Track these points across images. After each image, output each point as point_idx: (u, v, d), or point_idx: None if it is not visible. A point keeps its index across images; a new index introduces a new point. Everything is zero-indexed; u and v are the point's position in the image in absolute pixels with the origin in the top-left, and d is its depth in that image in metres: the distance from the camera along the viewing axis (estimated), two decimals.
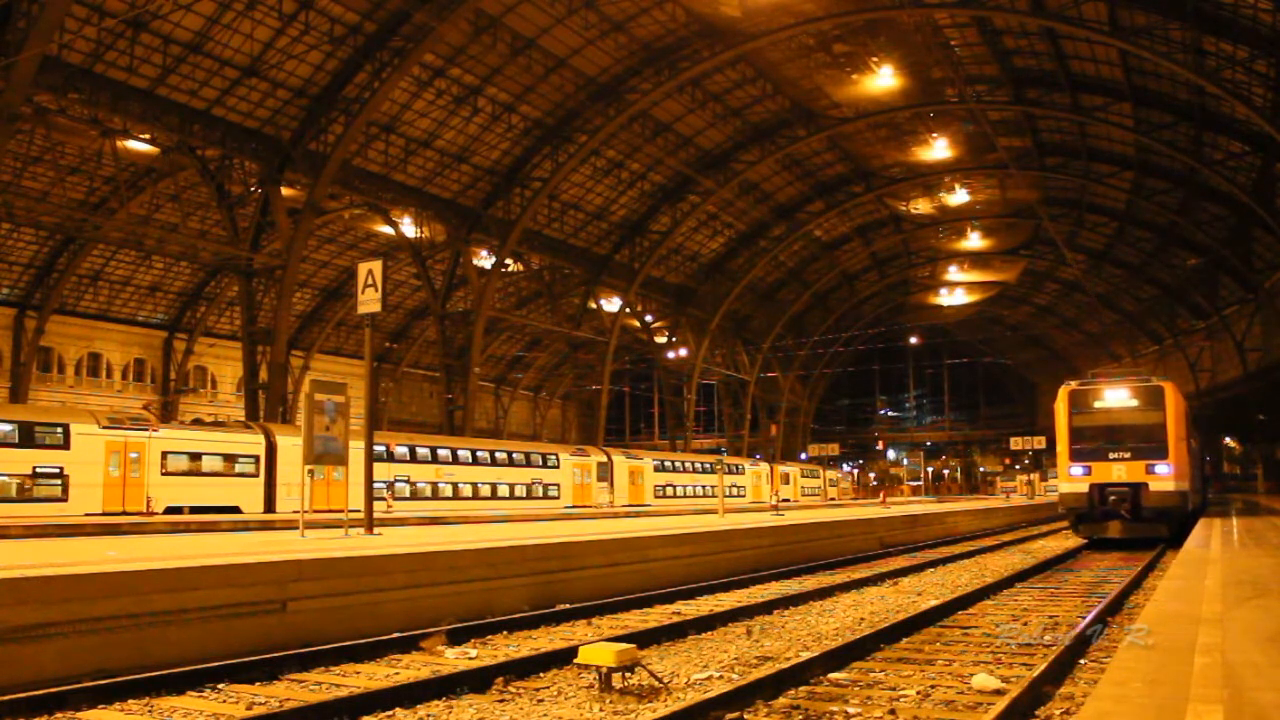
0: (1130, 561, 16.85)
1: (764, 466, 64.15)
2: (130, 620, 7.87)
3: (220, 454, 31.57)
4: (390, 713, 6.74)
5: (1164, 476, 19.22)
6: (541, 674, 8.01)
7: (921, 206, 61.32)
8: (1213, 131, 41.02)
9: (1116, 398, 20.37)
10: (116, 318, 54.44)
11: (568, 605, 11.52)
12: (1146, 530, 19.36)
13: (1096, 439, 20.21)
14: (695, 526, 18.35)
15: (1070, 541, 22.47)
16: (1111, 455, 19.80)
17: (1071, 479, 20.15)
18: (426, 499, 37.59)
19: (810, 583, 14.77)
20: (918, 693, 7.14)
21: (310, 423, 14.70)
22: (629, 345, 67.74)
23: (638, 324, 64.79)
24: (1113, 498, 19.43)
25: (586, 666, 7.33)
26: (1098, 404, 20.47)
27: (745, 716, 6.50)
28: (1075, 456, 20.20)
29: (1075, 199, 57.31)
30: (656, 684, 7.35)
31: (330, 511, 27.26)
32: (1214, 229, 50.28)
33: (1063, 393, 20.96)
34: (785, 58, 42.61)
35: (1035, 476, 71.27)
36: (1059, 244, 63.44)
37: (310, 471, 17.93)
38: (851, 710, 6.65)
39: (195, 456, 31.02)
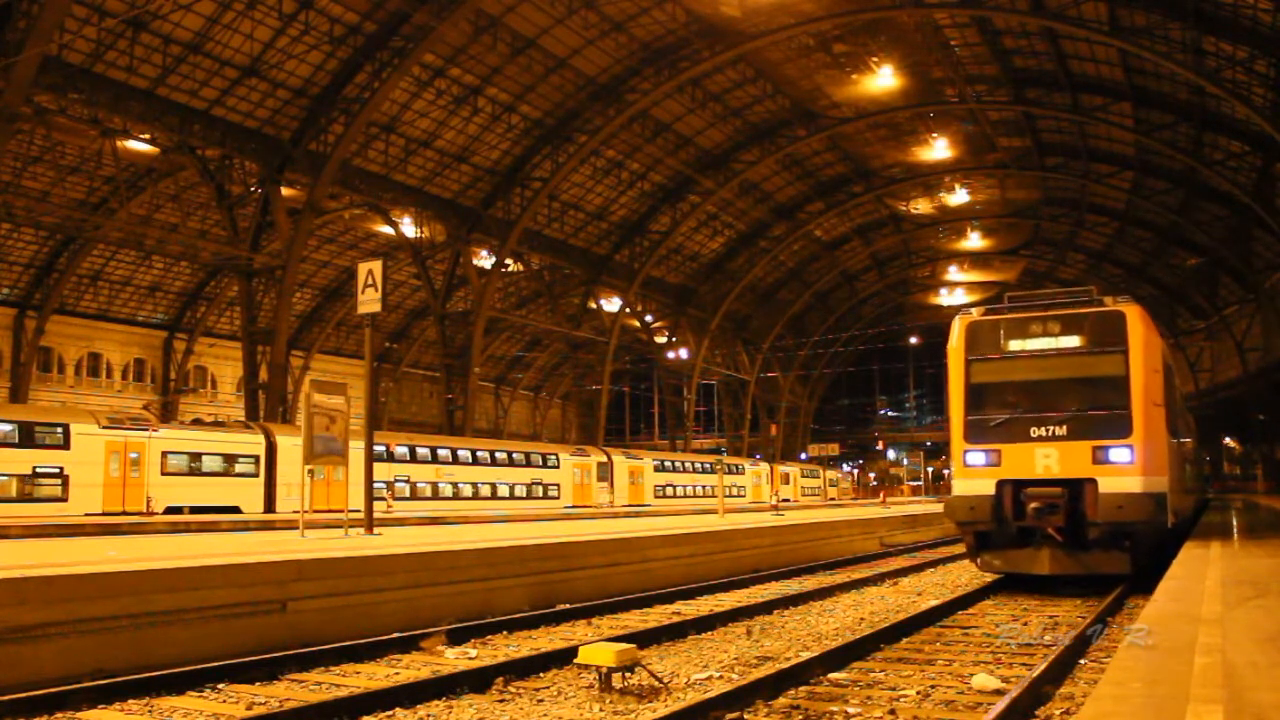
0: None
1: (764, 466, 64.13)
2: (130, 620, 7.87)
3: (220, 454, 31.58)
4: (390, 713, 6.74)
5: (1125, 467, 11.70)
6: (541, 674, 8.01)
7: (921, 206, 61.36)
8: (1213, 131, 41.00)
9: (1044, 333, 12.65)
10: (116, 318, 54.42)
11: (568, 605, 11.53)
12: (1095, 562, 11.98)
13: (1010, 405, 12.53)
14: (695, 527, 18.34)
15: None
16: (1035, 432, 12.12)
17: (967, 472, 12.47)
18: (426, 499, 37.58)
19: (810, 583, 14.77)
20: (918, 693, 7.14)
21: (310, 423, 14.69)
22: (629, 345, 67.71)
23: (638, 324, 64.78)
24: (1036, 505, 11.90)
25: (586, 666, 7.33)
26: (1014, 344, 12.70)
27: (745, 716, 6.50)
28: (973, 435, 12.51)
29: (1075, 199, 57.31)
30: (656, 684, 7.34)
31: (330, 511, 27.26)
32: (1214, 229, 50.28)
33: (958, 326, 13.08)
34: (785, 58, 42.62)
35: None
36: (1058, 244, 63.43)
37: (310, 471, 17.93)
38: (851, 710, 6.65)
39: (195, 456, 31.02)
